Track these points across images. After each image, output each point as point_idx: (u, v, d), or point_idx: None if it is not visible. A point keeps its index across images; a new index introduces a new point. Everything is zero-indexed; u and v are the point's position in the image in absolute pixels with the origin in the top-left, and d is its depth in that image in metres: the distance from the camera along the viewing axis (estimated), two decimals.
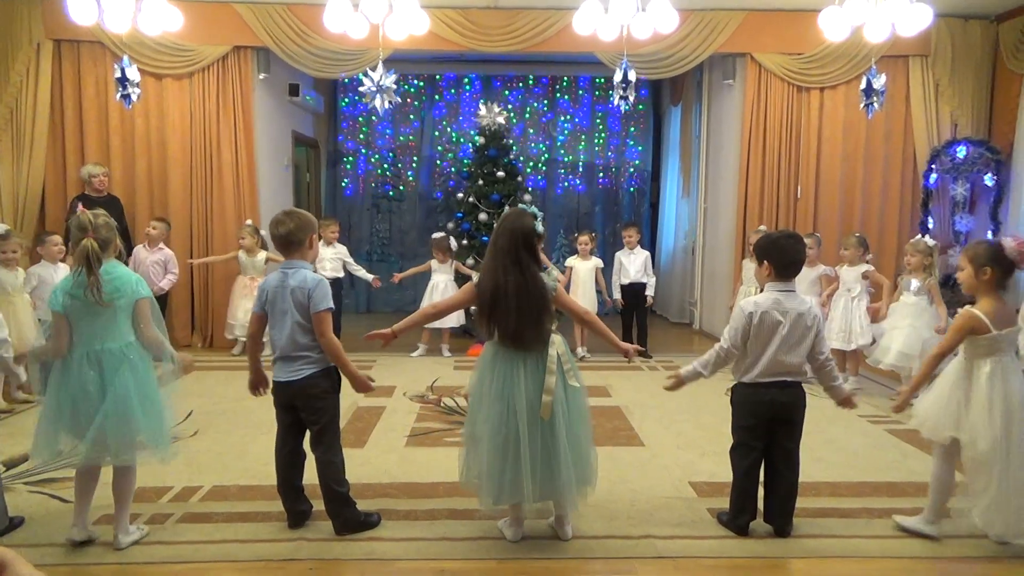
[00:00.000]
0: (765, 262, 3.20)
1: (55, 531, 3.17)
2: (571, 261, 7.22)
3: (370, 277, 7.26)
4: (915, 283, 5.34)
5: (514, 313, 2.94)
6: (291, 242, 3.16)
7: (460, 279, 7.19)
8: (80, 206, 3.08)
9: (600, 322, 3.35)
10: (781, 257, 3.16)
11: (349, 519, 3.21)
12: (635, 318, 7.17)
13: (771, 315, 3.11)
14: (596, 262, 7.16)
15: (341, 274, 7.17)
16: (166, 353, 3.09)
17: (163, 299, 6.72)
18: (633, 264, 7.20)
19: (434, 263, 7.32)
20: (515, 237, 2.97)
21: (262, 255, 6.92)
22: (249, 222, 7.12)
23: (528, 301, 2.95)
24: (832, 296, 5.93)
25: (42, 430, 3.01)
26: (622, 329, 7.11)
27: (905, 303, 5.40)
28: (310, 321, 3.10)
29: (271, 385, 3.25)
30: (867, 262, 5.83)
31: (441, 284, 7.22)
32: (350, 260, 7.25)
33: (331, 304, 3.12)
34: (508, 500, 3.06)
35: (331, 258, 7.07)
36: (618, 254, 7.36)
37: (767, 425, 3.17)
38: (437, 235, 7.46)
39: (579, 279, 7.07)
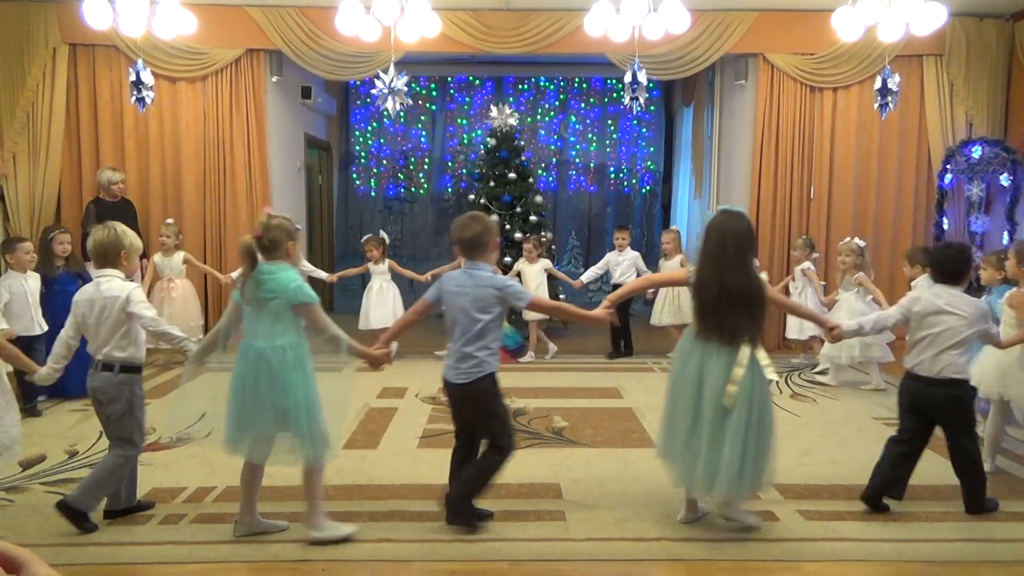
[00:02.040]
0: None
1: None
2: (519, 265, 7.10)
3: (324, 275, 7.10)
4: (847, 279, 5.93)
5: (736, 310, 3.05)
6: (477, 245, 3.22)
7: (396, 278, 7.08)
8: (268, 210, 3.17)
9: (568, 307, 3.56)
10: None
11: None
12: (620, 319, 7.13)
13: None
14: (544, 263, 7.07)
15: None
16: (343, 344, 3.14)
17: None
18: (620, 266, 7.18)
19: (371, 264, 7.11)
20: (740, 238, 3.10)
21: (179, 255, 6.60)
22: (171, 220, 6.85)
23: (752, 299, 3.08)
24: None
25: (229, 422, 3.09)
26: (610, 329, 7.07)
27: (845, 300, 5.94)
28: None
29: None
30: (812, 261, 6.59)
31: (376, 286, 7.00)
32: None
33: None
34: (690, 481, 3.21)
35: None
36: (608, 255, 7.37)
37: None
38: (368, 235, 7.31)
39: (529, 283, 6.84)
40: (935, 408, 3.40)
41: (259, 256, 3.00)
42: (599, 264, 7.39)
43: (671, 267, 6.99)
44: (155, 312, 3.32)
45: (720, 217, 3.21)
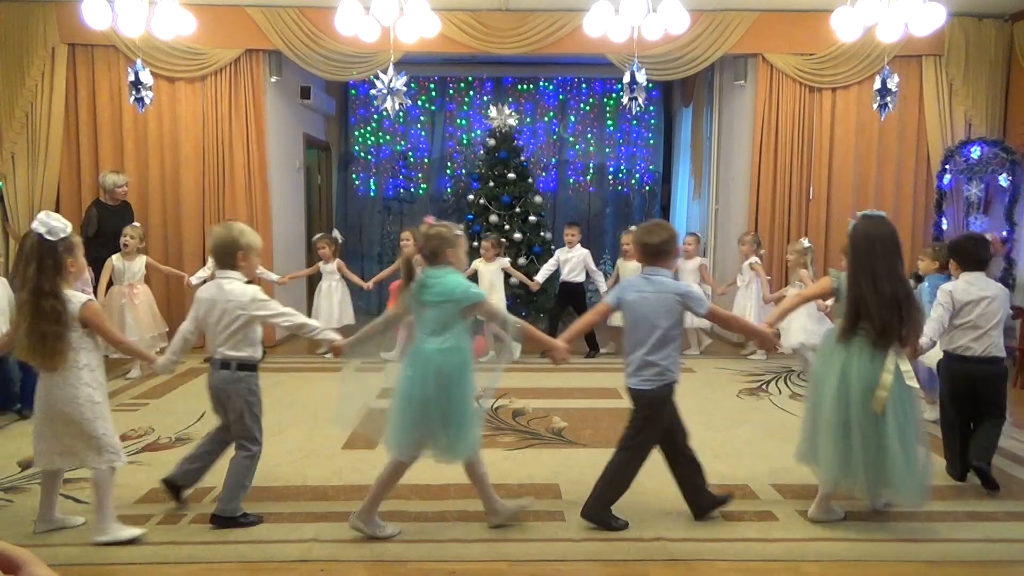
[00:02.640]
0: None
1: (70, 531, 3.19)
2: (475, 263, 6.97)
3: (275, 277, 7.01)
4: (795, 276, 6.37)
5: (888, 314, 3.12)
6: (660, 252, 3.27)
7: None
8: (429, 220, 3.27)
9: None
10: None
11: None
12: (564, 316, 7.19)
13: None
14: (502, 263, 7.05)
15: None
16: (511, 326, 3.26)
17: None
18: (568, 263, 7.18)
19: (321, 263, 7.16)
20: (887, 243, 3.18)
21: (141, 259, 6.23)
22: (137, 224, 6.51)
23: (903, 303, 3.15)
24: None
25: (393, 421, 3.16)
26: (549, 324, 7.14)
27: (740, 284, 6.82)
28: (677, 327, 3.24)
29: None
30: (759, 256, 6.94)
31: (325, 286, 7.07)
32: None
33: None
34: (844, 483, 3.26)
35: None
36: (557, 252, 7.36)
37: None
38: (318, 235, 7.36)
39: (484, 282, 6.79)
40: (982, 384, 3.68)
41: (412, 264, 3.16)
42: (550, 262, 7.34)
43: (632, 269, 6.95)
44: (280, 307, 3.37)
45: (863, 223, 3.27)
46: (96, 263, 6.19)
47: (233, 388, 3.24)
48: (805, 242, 6.39)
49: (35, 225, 3.00)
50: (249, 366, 3.26)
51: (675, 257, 3.37)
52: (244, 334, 3.23)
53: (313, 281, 7.74)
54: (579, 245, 7.27)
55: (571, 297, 7.19)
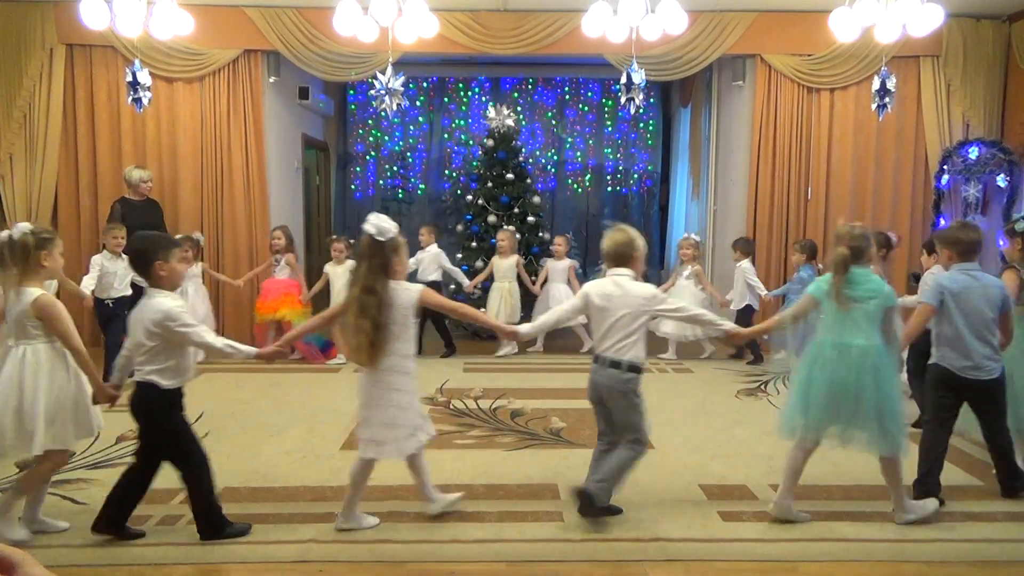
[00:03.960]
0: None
1: (68, 532, 3.19)
2: (327, 267, 6.96)
3: (222, 278, 6.97)
4: (687, 271, 6.95)
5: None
6: (862, 253, 3.33)
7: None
8: (849, 221, 3.41)
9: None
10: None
11: None
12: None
13: None
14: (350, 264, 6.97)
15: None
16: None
17: None
18: (421, 262, 7.14)
19: (332, 264, 6.96)
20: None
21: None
22: (121, 225, 6.13)
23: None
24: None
25: (790, 407, 3.36)
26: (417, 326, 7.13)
27: (680, 286, 6.96)
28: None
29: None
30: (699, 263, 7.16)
31: (191, 288, 6.55)
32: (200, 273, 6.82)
33: None
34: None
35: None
36: (548, 262, 7.33)
37: None
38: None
39: (336, 284, 6.78)
40: None
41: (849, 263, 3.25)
42: (410, 263, 7.18)
43: (562, 269, 7.23)
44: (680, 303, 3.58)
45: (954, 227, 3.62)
46: None
47: (621, 387, 3.29)
48: (695, 236, 6.92)
49: (367, 226, 3.16)
50: (637, 368, 3.32)
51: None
52: (639, 337, 3.31)
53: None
54: (434, 244, 7.25)
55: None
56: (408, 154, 10.72)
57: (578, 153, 10.84)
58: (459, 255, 8.05)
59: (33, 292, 3.06)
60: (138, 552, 3.05)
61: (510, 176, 7.94)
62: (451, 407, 5.31)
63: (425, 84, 10.57)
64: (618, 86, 6.54)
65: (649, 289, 3.35)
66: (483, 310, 6.93)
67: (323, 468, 4.04)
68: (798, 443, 3.35)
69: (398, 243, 3.18)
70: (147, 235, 3.28)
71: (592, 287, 3.38)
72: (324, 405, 5.21)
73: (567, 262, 7.28)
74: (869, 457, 3.64)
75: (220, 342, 3.14)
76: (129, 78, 6.11)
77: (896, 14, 5.47)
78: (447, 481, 3.74)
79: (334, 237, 7.27)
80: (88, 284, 5.59)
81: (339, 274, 6.67)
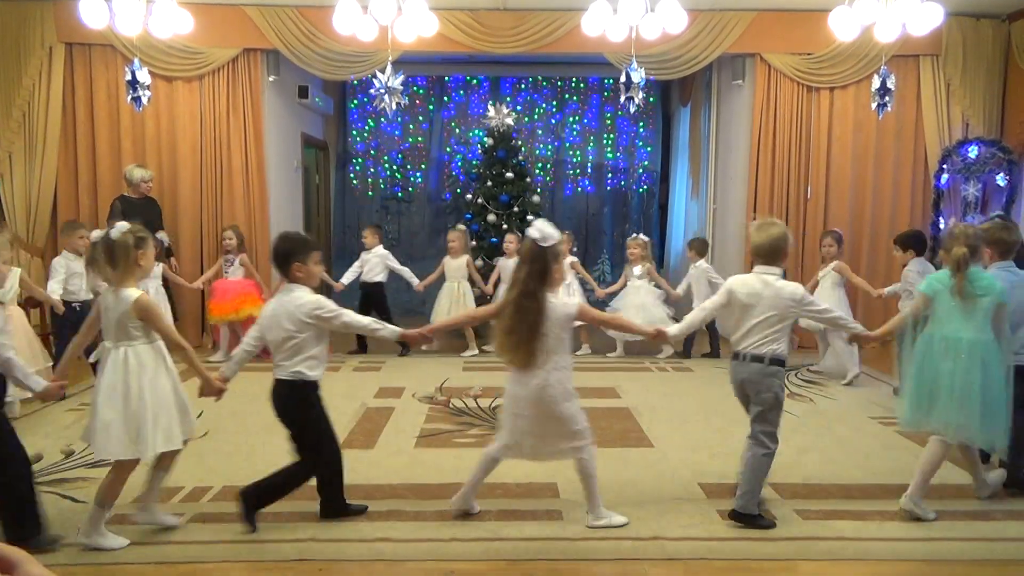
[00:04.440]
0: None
1: (67, 531, 3.18)
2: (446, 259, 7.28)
3: (178, 280, 6.74)
4: (638, 270, 7.02)
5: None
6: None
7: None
8: (955, 219, 3.43)
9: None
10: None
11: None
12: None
13: None
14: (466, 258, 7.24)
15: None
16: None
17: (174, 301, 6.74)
18: (367, 263, 7.18)
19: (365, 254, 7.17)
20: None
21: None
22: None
23: None
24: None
25: (909, 401, 3.46)
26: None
27: (632, 286, 7.01)
28: None
29: None
30: (651, 262, 7.21)
31: (152, 288, 6.11)
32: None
33: None
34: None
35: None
36: (500, 261, 7.32)
37: None
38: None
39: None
40: None
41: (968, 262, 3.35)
42: (355, 265, 7.28)
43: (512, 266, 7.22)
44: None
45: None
46: None
47: (766, 382, 3.31)
48: (644, 237, 7.18)
49: (531, 231, 3.16)
50: (780, 361, 3.34)
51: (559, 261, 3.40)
52: (783, 329, 3.34)
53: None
54: (380, 246, 7.28)
55: (371, 297, 7.17)
56: (407, 153, 10.72)
57: (578, 152, 10.84)
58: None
59: (132, 292, 3.04)
60: (138, 551, 3.05)
61: (510, 175, 7.94)
62: (451, 406, 5.31)
63: (425, 83, 10.56)
64: (614, 83, 6.54)
65: (798, 290, 3.34)
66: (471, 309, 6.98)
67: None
68: (934, 437, 3.43)
69: (559, 250, 3.19)
70: (291, 235, 3.38)
71: (737, 283, 3.39)
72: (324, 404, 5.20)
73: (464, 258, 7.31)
74: (868, 456, 3.65)
75: (366, 320, 3.39)
76: (128, 77, 6.11)
77: (896, 13, 5.47)
78: (448, 480, 3.74)
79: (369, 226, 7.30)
80: (56, 288, 5.36)
81: None
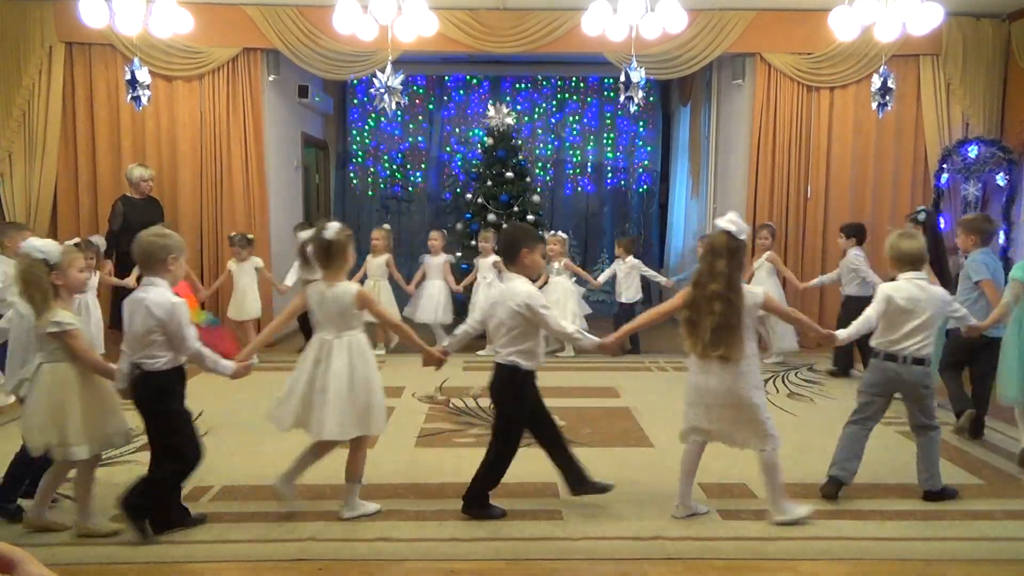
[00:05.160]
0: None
1: (68, 531, 3.18)
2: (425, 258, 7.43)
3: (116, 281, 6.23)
4: (555, 266, 7.12)
5: None
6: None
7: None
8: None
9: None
10: None
11: None
12: None
13: None
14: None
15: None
16: None
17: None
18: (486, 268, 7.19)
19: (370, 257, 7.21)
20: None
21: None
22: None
23: None
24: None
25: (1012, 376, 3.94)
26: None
27: (552, 282, 7.07)
28: None
29: None
30: (572, 258, 7.39)
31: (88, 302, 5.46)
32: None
33: None
34: None
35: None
36: (478, 261, 7.28)
37: None
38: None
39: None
40: None
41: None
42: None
43: (438, 264, 7.40)
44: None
45: None
46: (123, 257, 6.19)
47: (924, 383, 3.55)
48: (563, 234, 7.34)
49: (725, 223, 3.24)
50: (930, 362, 3.58)
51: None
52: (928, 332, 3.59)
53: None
54: (493, 253, 7.21)
55: None
56: (407, 152, 10.72)
57: (577, 151, 10.84)
58: (458, 253, 8.05)
59: (350, 286, 3.30)
60: (139, 551, 3.04)
61: (510, 174, 7.95)
62: (451, 406, 5.31)
63: (425, 82, 10.57)
64: (613, 82, 6.54)
65: (946, 294, 3.66)
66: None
67: (322, 467, 4.02)
68: None
69: (743, 244, 3.29)
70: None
71: (892, 289, 3.56)
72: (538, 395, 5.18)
73: (443, 257, 7.38)
74: (868, 456, 3.65)
75: (571, 328, 3.51)
76: (128, 76, 6.11)
77: (896, 13, 5.47)
78: (448, 480, 3.74)
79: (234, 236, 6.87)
80: None
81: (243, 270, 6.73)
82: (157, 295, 3.02)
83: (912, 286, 3.51)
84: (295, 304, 3.46)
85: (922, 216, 5.80)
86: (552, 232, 7.42)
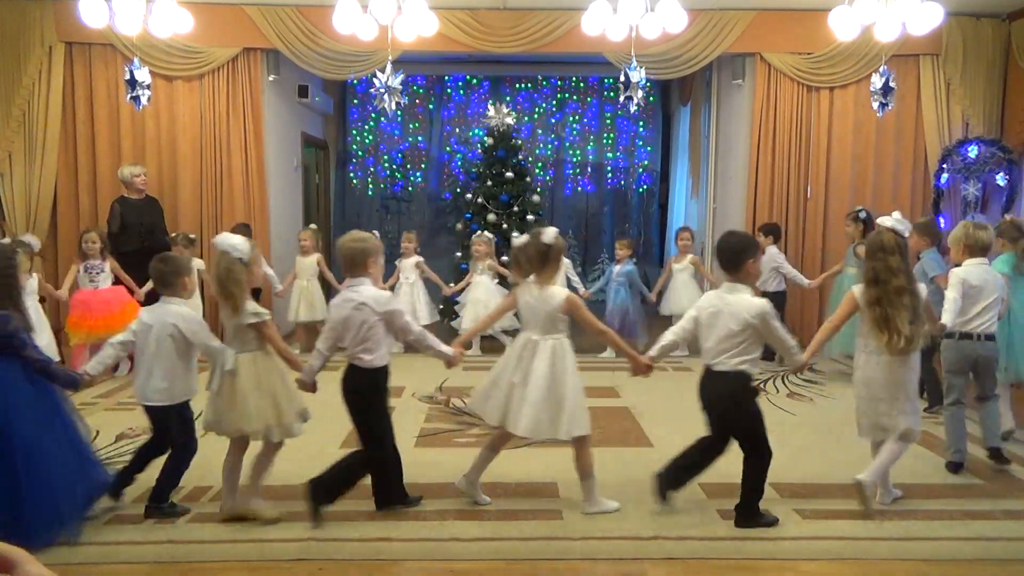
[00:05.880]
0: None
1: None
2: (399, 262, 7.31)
3: (56, 293, 6.11)
4: (480, 266, 7.19)
5: None
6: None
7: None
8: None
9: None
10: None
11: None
12: None
13: None
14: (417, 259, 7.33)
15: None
16: None
17: None
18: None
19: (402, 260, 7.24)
20: None
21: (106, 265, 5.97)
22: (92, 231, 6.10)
23: None
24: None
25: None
26: None
27: (475, 282, 7.17)
28: None
29: None
30: (501, 264, 7.16)
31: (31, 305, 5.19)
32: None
33: None
34: None
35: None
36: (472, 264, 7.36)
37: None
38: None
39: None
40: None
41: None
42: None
43: (410, 264, 7.34)
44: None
45: None
46: (123, 258, 6.19)
47: (996, 355, 3.95)
48: (488, 235, 7.40)
49: (890, 221, 3.41)
50: None
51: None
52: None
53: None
54: (313, 252, 7.27)
55: None
56: (407, 152, 10.72)
57: (577, 151, 10.84)
58: (458, 253, 8.05)
59: (559, 291, 3.41)
60: (138, 551, 3.05)
61: (509, 174, 7.94)
62: (451, 405, 5.31)
63: (425, 82, 10.57)
64: (614, 82, 6.54)
65: (1000, 275, 4.07)
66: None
67: (322, 466, 4.03)
68: None
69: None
70: (741, 233, 3.80)
71: (965, 273, 3.88)
72: (323, 404, 5.19)
73: (415, 259, 7.34)
74: (868, 456, 3.65)
75: (792, 341, 3.48)
76: (128, 76, 6.11)
77: (896, 13, 5.46)
78: (448, 480, 3.74)
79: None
80: None
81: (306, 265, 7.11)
82: (371, 292, 3.31)
83: (981, 270, 3.88)
84: (506, 302, 3.72)
85: (863, 215, 6.23)
86: (478, 233, 7.42)
